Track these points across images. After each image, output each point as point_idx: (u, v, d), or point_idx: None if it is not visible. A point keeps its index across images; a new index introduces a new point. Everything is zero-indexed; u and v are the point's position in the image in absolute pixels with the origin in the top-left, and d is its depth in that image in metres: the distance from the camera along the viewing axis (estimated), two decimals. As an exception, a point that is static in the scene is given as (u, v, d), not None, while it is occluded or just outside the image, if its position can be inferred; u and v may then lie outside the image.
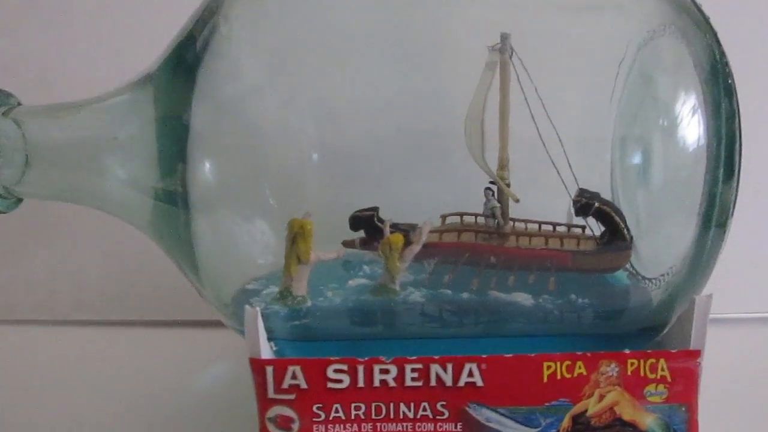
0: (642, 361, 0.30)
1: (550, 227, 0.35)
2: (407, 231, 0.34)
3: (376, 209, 0.33)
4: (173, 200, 0.32)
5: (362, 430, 0.30)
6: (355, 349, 0.31)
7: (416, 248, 0.34)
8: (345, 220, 0.34)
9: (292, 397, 0.30)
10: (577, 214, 0.33)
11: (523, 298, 0.34)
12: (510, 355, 0.30)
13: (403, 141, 0.34)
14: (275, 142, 0.33)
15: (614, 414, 0.30)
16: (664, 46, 0.33)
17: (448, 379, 0.30)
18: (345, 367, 0.29)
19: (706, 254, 0.32)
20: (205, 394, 0.41)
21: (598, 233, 0.34)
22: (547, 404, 0.30)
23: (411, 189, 0.34)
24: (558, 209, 0.34)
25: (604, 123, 0.33)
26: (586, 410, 0.30)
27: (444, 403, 0.30)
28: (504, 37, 0.33)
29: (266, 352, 0.30)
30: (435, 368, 0.29)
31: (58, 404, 0.41)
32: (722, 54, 0.32)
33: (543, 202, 0.34)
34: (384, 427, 0.30)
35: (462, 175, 0.34)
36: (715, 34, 0.32)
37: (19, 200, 0.35)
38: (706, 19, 0.33)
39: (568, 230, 0.34)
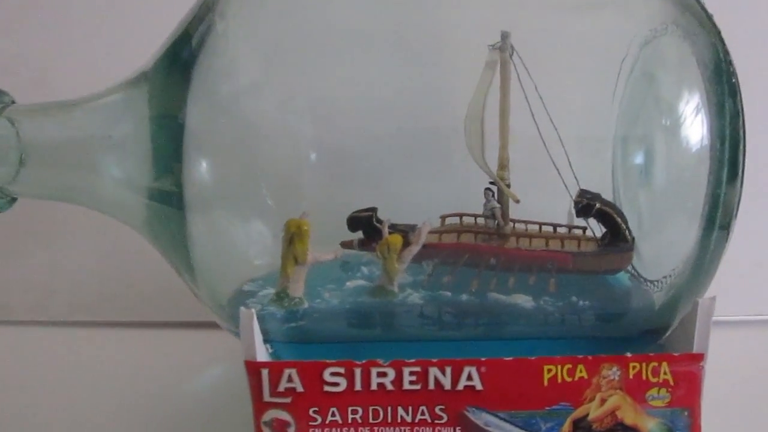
0: (644, 365, 0.29)
1: (551, 228, 0.34)
2: (406, 232, 0.34)
3: (374, 209, 0.33)
4: (168, 200, 0.32)
5: (359, 434, 0.30)
6: (352, 351, 0.30)
7: (415, 249, 0.33)
8: (343, 221, 0.33)
9: (287, 400, 0.29)
10: (578, 215, 0.33)
11: (524, 300, 0.33)
12: (510, 358, 0.29)
13: (402, 140, 0.33)
14: (272, 141, 0.33)
15: (616, 418, 0.30)
16: (666, 44, 0.32)
17: (446, 383, 0.29)
18: (342, 370, 0.29)
19: (709, 256, 0.32)
20: (201, 397, 0.41)
21: (599, 234, 0.34)
22: (547, 408, 0.30)
23: (410, 189, 0.34)
24: (559, 210, 0.34)
25: (606, 123, 0.33)
26: (587, 414, 0.30)
27: (443, 406, 0.30)
28: (504, 36, 0.33)
29: (262, 354, 0.30)
30: (433, 371, 0.29)
31: (55, 405, 0.41)
32: (726, 53, 0.32)
33: (543, 203, 0.34)
34: (381, 431, 0.30)
35: (462, 175, 0.34)
36: (718, 33, 0.32)
37: (14, 199, 0.35)
38: (710, 18, 0.33)
39: (569, 231, 0.34)
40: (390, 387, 0.29)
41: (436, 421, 0.30)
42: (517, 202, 0.33)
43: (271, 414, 0.29)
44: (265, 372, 0.29)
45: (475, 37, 0.33)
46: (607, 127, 0.33)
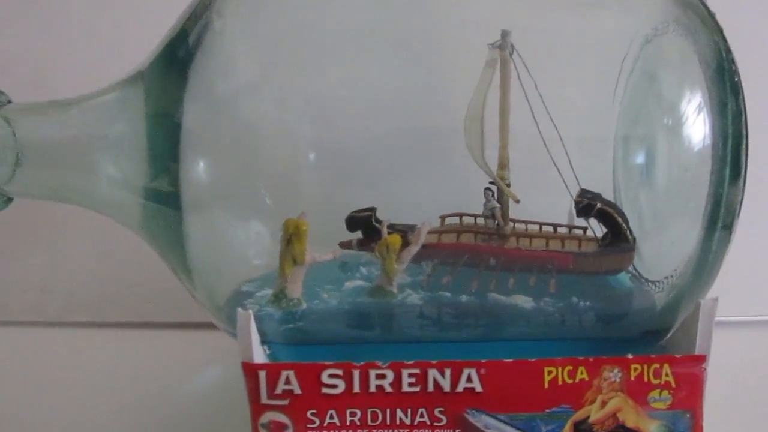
0: (645, 367, 0.29)
1: (551, 228, 0.34)
2: (405, 232, 0.33)
3: (373, 209, 0.33)
4: (165, 200, 0.32)
5: (358, 436, 0.30)
6: (351, 352, 0.30)
7: (414, 249, 0.33)
8: (342, 221, 0.33)
9: (285, 402, 0.29)
10: (579, 215, 0.33)
11: (524, 301, 0.33)
12: (510, 360, 0.29)
13: (402, 140, 0.33)
14: (270, 140, 0.33)
15: (617, 421, 0.30)
16: (668, 43, 0.32)
17: (446, 385, 0.29)
18: (340, 372, 0.29)
19: (712, 256, 0.32)
20: (199, 398, 0.41)
21: (600, 235, 0.33)
22: (548, 411, 0.29)
23: (409, 189, 0.34)
24: (559, 210, 0.34)
25: (607, 122, 0.32)
26: (588, 417, 0.29)
27: (442, 409, 0.29)
28: (504, 34, 0.32)
29: (259, 356, 0.30)
30: (433, 373, 0.29)
31: (53, 406, 0.41)
32: (728, 51, 0.32)
33: (544, 203, 0.34)
34: (380, 433, 0.30)
35: (461, 174, 0.33)
36: (721, 31, 0.32)
37: (10, 200, 0.35)
38: (712, 16, 0.32)
39: (570, 231, 0.34)
40: (389, 389, 0.29)
41: (436, 424, 0.29)
42: (517, 202, 0.33)
43: (268, 416, 0.29)
44: (262, 374, 0.29)
45: (475, 35, 0.33)
46: (608, 126, 0.32)
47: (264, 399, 0.29)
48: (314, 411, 0.29)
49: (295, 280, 0.33)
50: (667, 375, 0.29)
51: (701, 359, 0.29)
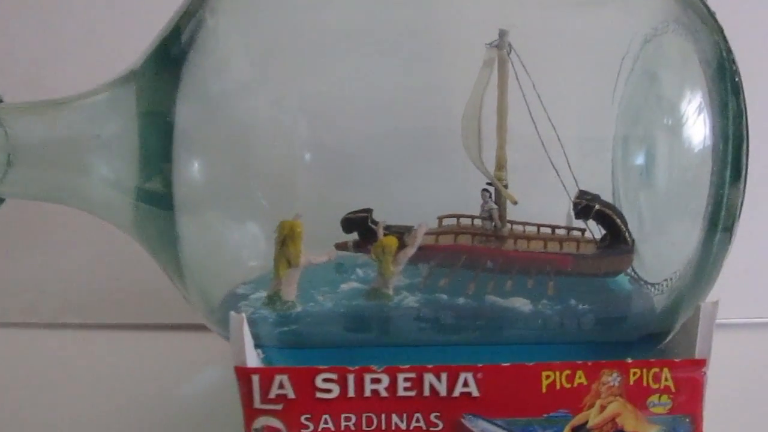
0: (645, 371, 0.29)
1: (549, 230, 0.34)
2: (402, 233, 0.33)
3: (369, 211, 0.33)
4: (157, 201, 0.32)
5: (353, 441, 0.30)
6: (346, 356, 0.30)
7: (411, 251, 0.33)
8: (337, 222, 0.33)
9: (279, 407, 0.29)
10: (577, 216, 0.33)
11: (522, 304, 0.33)
12: (507, 364, 0.29)
13: (398, 140, 0.33)
14: (265, 140, 0.33)
15: (616, 426, 0.29)
16: (668, 42, 0.32)
17: (442, 389, 0.29)
18: (334, 376, 0.29)
19: (712, 258, 0.32)
20: (193, 401, 0.41)
21: (598, 236, 0.33)
22: (546, 415, 0.29)
23: (406, 190, 0.34)
24: (557, 211, 0.34)
25: (606, 122, 0.32)
26: (586, 422, 0.29)
27: (438, 414, 0.29)
28: (502, 34, 0.32)
29: (252, 360, 0.30)
30: (429, 377, 0.29)
31: (45, 407, 0.41)
32: (729, 51, 0.31)
33: (542, 204, 0.34)
34: (375, 438, 0.30)
35: (459, 175, 0.33)
36: (721, 31, 0.32)
37: (2, 200, 0.35)
38: (712, 15, 0.32)
39: (568, 233, 0.34)
40: (384, 393, 0.29)
41: (432, 429, 0.29)
42: (515, 203, 0.33)
43: (262, 421, 0.29)
44: (255, 378, 0.29)
45: (473, 35, 0.33)
46: (607, 126, 0.32)
47: (257, 403, 0.29)
48: (308, 416, 0.29)
49: (290, 283, 0.33)
50: (666, 379, 0.29)
51: (701, 363, 0.29)
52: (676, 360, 0.29)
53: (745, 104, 0.31)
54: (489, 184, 0.33)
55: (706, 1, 0.33)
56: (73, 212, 0.35)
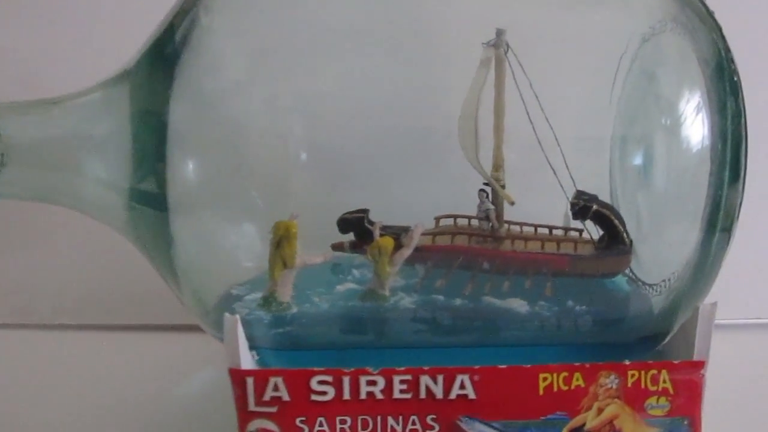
0: (643, 373, 0.29)
1: (547, 231, 0.34)
2: (398, 234, 0.33)
3: (366, 211, 0.33)
4: (150, 201, 0.32)
5: (348, 444, 0.29)
6: (341, 358, 0.30)
7: (407, 252, 0.33)
8: (333, 223, 0.33)
9: (273, 409, 0.29)
10: (575, 216, 0.33)
11: (519, 305, 0.33)
12: (504, 366, 0.29)
13: (395, 140, 0.33)
14: (260, 140, 0.33)
15: (614, 428, 0.29)
16: (667, 41, 0.32)
17: (438, 392, 0.29)
18: (330, 379, 0.29)
19: (711, 259, 0.31)
20: (187, 403, 0.41)
21: (596, 237, 0.33)
22: (543, 418, 0.29)
23: (402, 190, 0.34)
24: (555, 212, 0.33)
25: (604, 122, 0.32)
26: (584, 424, 0.29)
27: (434, 416, 0.29)
28: (499, 33, 0.32)
29: (247, 362, 0.30)
30: (425, 380, 0.29)
31: (39, 409, 0.40)
32: (727, 50, 0.31)
33: (539, 205, 0.34)
34: (371, 441, 0.29)
35: (456, 176, 0.33)
36: (720, 30, 0.32)
37: (-5, 201, 0.34)
38: (711, 14, 0.32)
39: (566, 234, 0.34)
40: (380, 396, 0.29)
41: (428, 431, 0.29)
42: (512, 203, 0.33)
43: (256, 424, 0.29)
44: (250, 380, 0.28)
45: (469, 33, 0.33)
46: (605, 126, 0.32)
47: (252, 406, 0.29)
48: (303, 418, 0.29)
49: (285, 284, 0.33)
50: (665, 381, 0.29)
51: (700, 365, 0.29)
52: (675, 362, 0.29)
53: (743, 104, 0.31)
54: (486, 184, 0.33)
55: (705, 0, 0.33)
56: (69, 213, 0.35)
